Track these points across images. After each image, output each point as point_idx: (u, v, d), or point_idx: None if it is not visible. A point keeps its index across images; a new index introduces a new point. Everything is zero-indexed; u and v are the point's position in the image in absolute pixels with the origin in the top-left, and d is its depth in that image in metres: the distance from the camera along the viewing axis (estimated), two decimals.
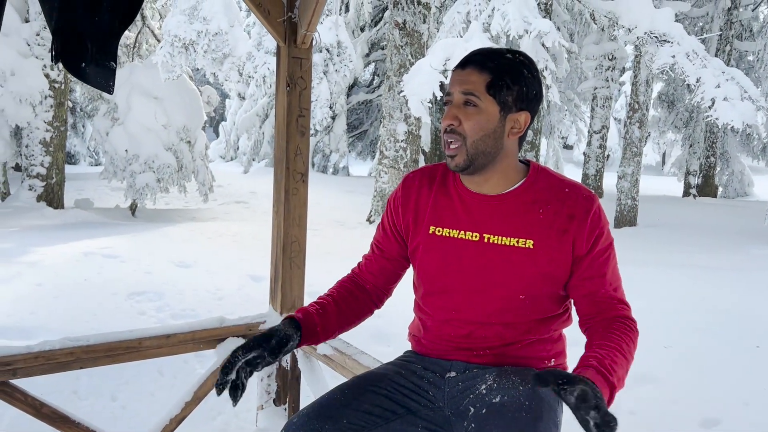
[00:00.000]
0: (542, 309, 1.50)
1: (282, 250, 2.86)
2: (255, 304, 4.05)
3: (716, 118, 6.42)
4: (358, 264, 1.76)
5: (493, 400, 1.35)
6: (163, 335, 2.64)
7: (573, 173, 21.64)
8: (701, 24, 16.93)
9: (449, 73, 6.99)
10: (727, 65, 15.71)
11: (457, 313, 1.53)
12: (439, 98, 6.65)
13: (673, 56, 6.52)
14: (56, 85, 9.46)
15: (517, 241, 1.45)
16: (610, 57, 13.91)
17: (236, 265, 5.32)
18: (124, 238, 6.32)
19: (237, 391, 1.35)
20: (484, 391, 1.42)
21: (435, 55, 6.22)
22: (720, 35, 15.74)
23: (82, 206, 10.12)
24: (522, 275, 1.45)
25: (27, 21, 9.30)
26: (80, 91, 12.31)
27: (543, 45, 6.26)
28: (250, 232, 7.99)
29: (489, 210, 1.49)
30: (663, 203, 14.99)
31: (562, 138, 25.43)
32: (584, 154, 15.37)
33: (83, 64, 2.03)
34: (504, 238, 1.46)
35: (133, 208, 9.75)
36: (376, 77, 20.09)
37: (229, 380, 1.34)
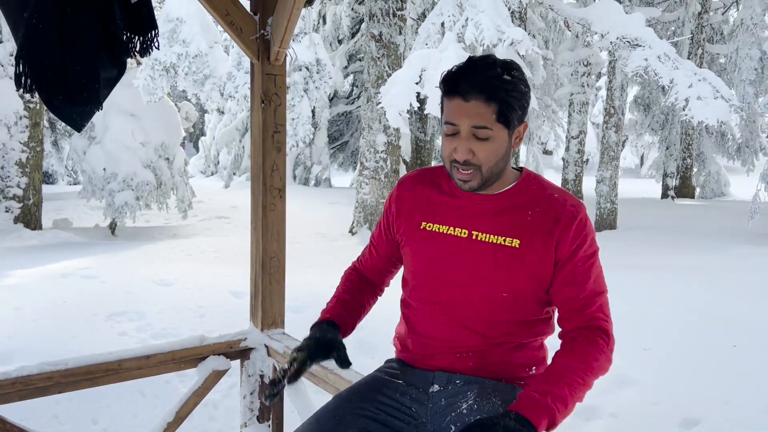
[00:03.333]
0: (525, 310, 1.53)
1: (261, 267, 2.86)
2: (237, 321, 4.03)
3: (691, 117, 6.56)
4: (359, 258, 1.85)
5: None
6: (143, 356, 2.62)
7: (553, 178, 21.76)
8: (673, 29, 17.24)
9: (426, 83, 7.08)
10: (699, 68, 16.03)
11: (441, 307, 1.56)
12: (416, 108, 6.70)
13: (646, 59, 6.65)
14: (31, 105, 9.38)
15: (504, 240, 1.49)
16: (585, 63, 14.10)
17: (218, 281, 5.30)
18: (103, 257, 6.26)
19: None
20: (465, 411, 1.46)
21: (411, 67, 6.29)
22: (691, 39, 16.04)
23: (61, 226, 10.01)
24: (506, 273, 1.49)
25: (0, 42, 9.22)
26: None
27: (517, 53, 6.33)
28: (231, 247, 7.95)
29: (479, 209, 1.53)
30: (642, 206, 15.18)
31: (541, 144, 25.69)
32: (563, 159, 15.54)
33: (60, 97, 2.03)
34: (491, 236, 1.50)
35: (112, 226, 9.66)
36: (355, 88, 20.15)
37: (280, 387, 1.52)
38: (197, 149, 27.69)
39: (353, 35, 17.69)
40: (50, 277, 5.01)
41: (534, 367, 1.58)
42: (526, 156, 24.16)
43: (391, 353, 1.80)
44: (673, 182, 16.64)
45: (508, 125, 1.44)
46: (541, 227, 1.48)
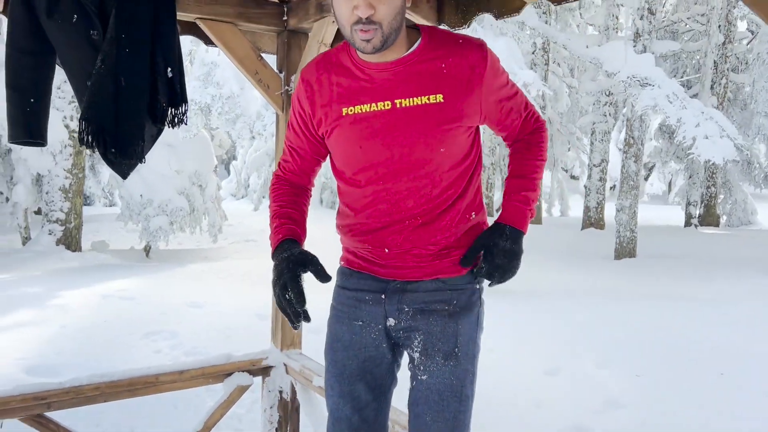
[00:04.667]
0: (459, 156, 1.59)
1: None
2: (260, 341, 4.38)
3: (698, 155, 6.79)
4: (281, 167, 1.79)
5: (422, 377, 1.61)
6: (177, 371, 2.99)
7: (579, 204, 21.89)
8: (698, 58, 17.38)
9: None
10: (724, 98, 16.12)
11: (384, 183, 1.59)
12: None
13: (654, 98, 6.92)
14: (75, 135, 10.01)
15: (428, 98, 1.51)
16: (607, 93, 14.34)
17: (244, 304, 5.67)
18: (139, 279, 6.71)
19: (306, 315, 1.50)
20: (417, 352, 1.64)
21: None
22: (715, 68, 16.18)
23: (99, 248, 10.56)
24: (439, 128, 1.52)
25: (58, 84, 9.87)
26: None
27: (528, 92, 6.67)
28: (257, 270, 8.34)
29: (394, 76, 1.52)
30: (664, 233, 15.23)
31: (566, 170, 25.79)
32: (585, 186, 15.70)
33: (113, 150, 2.45)
34: (415, 99, 1.52)
35: (147, 249, 10.18)
36: None
37: (301, 310, 1.49)
38: (228, 172, 28.45)
39: None
40: (92, 298, 5.45)
41: (473, 213, 1.66)
42: (550, 181, 24.32)
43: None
44: (696, 210, 16.65)
45: None
46: (459, 76, 1.52)
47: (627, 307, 5.78)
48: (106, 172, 21.36)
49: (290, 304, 1.49)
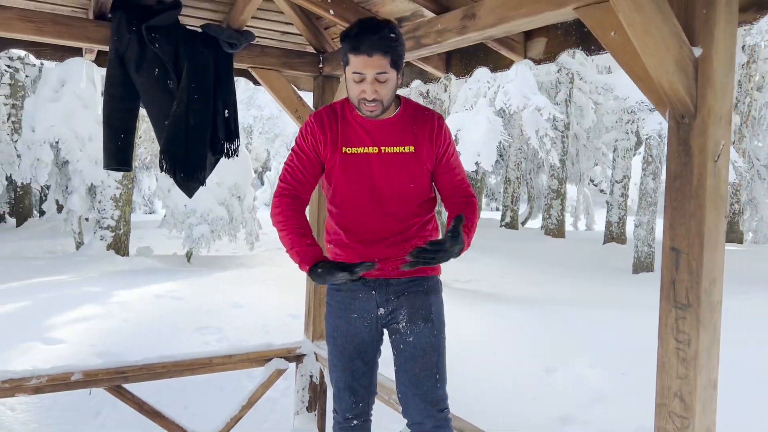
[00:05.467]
0: (422, 193, 2.18)
1: (313, 293, 3.85)
2: (294, 336, 5.03)
3: None
4: (286, 184, 2.17)
5: (409, 339, 2.16)
6: (227, 355, 3.64)
7: (603, 216, 22.14)
8: None
9: (460, 141, 8.01)
10: (748, 116, 16.30)
11: (369, 206, 2.14)
12: None
13: (660, 123, 7.39)
14: None
15: (404, 148, 2.13)
16: (629, 110, 14.72)
17: (279, 305, 6.32)
18: (185, 282, 7.42)
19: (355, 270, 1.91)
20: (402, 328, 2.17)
21: (449, 126, 7.24)
22: (740, 87, 16.41)
23: (144, 254, 11.38)
24: (409, 170, 2.13)
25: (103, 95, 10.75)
26: (143, 147, 13.80)
27: (540, 114, 7.22)
28: (289, 275, 8.99)
29: (381, 130, 2.12)
30: None
31: (595, 184, 26.01)
32: (607, 202, 16.04)
33: (181, 175, 3.12)
34: (395, 148, 2.12)
35: (188, 255, 10.94)
36: None
37: (356, 273, 1.91)
38: (262, 183, 29.39)
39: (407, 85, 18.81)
40: (147, 297, 6.16)
41: (431, 234, 2.23)
42: (576, 195, 24.59)
43: None
44: None
45: (397, 69, 2.03)
46: (423, 135, 2.13)
47: (629, 315, 6.25)
48: (147, 181, 22.41)
49: (348, 273, 1.93)
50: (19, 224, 17.10)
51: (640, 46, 1.68)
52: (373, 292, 2.23)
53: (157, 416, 3.44)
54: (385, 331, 2.29)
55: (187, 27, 3.24)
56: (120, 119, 3.17)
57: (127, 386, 3.37)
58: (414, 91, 9.99)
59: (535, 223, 22.39)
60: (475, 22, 2.47)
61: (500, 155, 21.39)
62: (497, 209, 25.89)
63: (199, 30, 3.24)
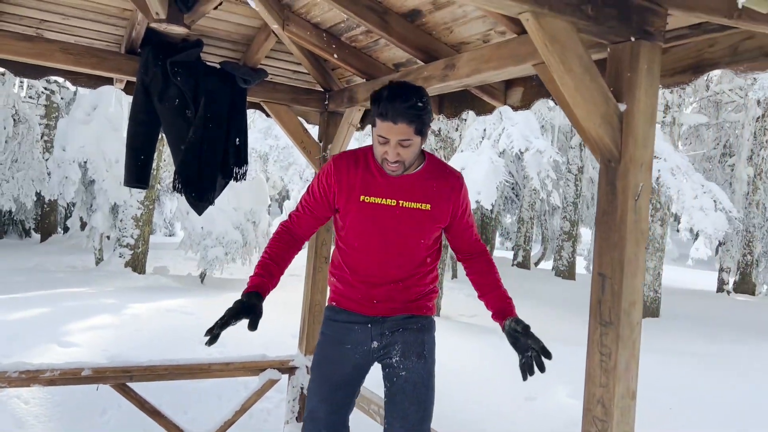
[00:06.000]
0: (430, 247, 2.28)
1: (308, 311, 4.15)
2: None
3: (692, 226, 7.46)
4: (290, 219, 2.33)
5: (401, 373, 2.25)
6: (225, 362, 3.95)
7: None
8: (737, 131, 17.76)
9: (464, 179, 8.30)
10: (763, 166, 16.41)
11: (379, 253, 2.22)
12: None
13: (659, 170, 7.66)
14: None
15: (420, 205, 2.20)
16: None
17: (283, 326, 6.58)
18: (196, 300, 7.76)
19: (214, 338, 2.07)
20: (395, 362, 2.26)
21: (454, 165, 7.62)
22: (755, 138, 16.59)
23: (160, 272, 11.78)
24: (423, 227, 2.22)
25: None
26: (167, 171, 14.36)
27: (542, 157, 7.54)
28: (296, 300, 9.27)
29: (401, 184, 2.19)
30: (696, 297, 15.49)
31: None
32: None
33: (193, 194, 3.47)
34: (412, 203, 2.19)
35: (202, 276, 11.31)
36: None
37: (218, 333, 2.09)
38: (281, 211, 29.89)
39: None
40: (159, 311, 6.50)
41: (431, 284, 2.36)
42: (591, 238, 24.64)
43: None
44: (729, 277, 16.86)
45: (422, 136, 2.12)
46: (442, 194, 2.22)
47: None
48: (169, 204, 23.01)
49: (216, 326, 2.10)
50: (43, 239, 17.72)
51: (572, 102, 2.00)
52: (369, 326, 2.31)
53: (157, 415, 3.72)
54: (378, 365, 2.37)
55: (208, 63, 3.63)
56: (141, 142, 3.56)
57: (132, 385, 3.67)
58: None
59: (548, 264, 22.48)
60: (454, 72, 2.81)
61: (515, 195, 21.66)
62: (510, 249, 26.02)
63: (218, 66, 3.63)
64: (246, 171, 3.71)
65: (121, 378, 3.61)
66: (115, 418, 4.23)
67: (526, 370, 2.22)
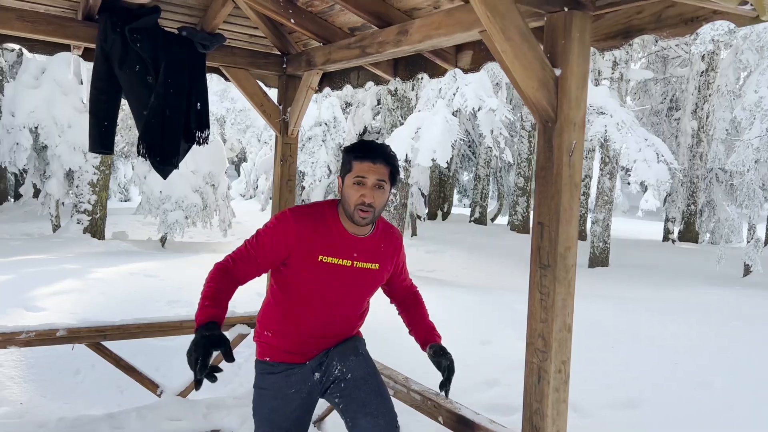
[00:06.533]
0: (368, 300, 2.49)
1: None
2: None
3: (636, 178, 7.87)
4: (232, 261, 2.28)
5: (347, 376, 2.34)
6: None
7: None
8: (683, 86, 18.35)
9: (419, 138, 8.55)
10: (706, 120, 17.08)
11: (325, 308, 2.32)
12: (409, 157, 8.18)
13: (605, 126, 8.00)
14: None
15: (371, 265, 2.34)
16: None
17: (249, 286, 6.77)
18: (159, 263, 7.84)
19: (212, 377, 1.94)
20: (337, 374, 2.34)
21: (409, 125, 7.79)
22: (699, 93, 17.19)
23: (120, 238, 11.74)
24: (372, 285, 2.41)
25: (82, 83, 11.11)
26: (120, 136, 14.13)
27: (495, 116, 7.78)
28: None
29: (357, 245, 2.31)
30: (643, 247, 16.23)
31: None
32: None
33: (157, 159, 3.58)
34: (365, 263, 2.32)
35: (163, 240, 11.33)
36: (382, 123, 21.73)
37: (203, 378, 1.94)
38: (238, 174, 29.65)
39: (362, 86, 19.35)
40: (122, 274, 6.58)
41: (362, 320, 2.54)
42: None
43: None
44: (673, 227, 17.69)
45: (392, 184, 2.28)
46: (387, 254, 2.41)
47: (584, 305, 6.84)
48: (123, 169, 22.60)
49: (199, 371, 1.93)
50: None
51: (512, 68, 2.20)
52: (307, 363, 2.38)
53: (132, 371, 3.90)
54: (326, 399, 2.43)
55: (166, 29, 3.69)
56: (104, 109, 3.63)
57: (106, 344, 3.82)
58: (384, 89, 10.49)
59: (504, 219, 23.07)
60: (407, 37, 2.97)
61: (472, 153, 22.00)
62: (468, 206, 26.53)
63: (176, 32, 3.69)
64: (208, 135, 3.82)
65: (95, 337, 3.76)
66: (89, 378, 4.38)
67: (445, 387, 2.56)
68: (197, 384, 1.99)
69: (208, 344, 1.99)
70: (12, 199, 19.12)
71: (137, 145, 3.64)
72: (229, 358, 2.03)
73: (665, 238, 18.25)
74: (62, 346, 4.02)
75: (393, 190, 2.47)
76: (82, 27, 3.54)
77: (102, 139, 3.64)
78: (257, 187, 25.66)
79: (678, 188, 17.77)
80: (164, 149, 3.65)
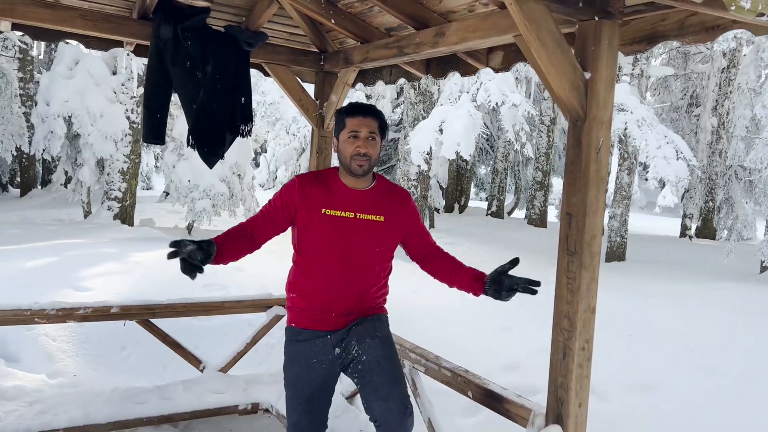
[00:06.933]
0: (384, 259, 2.53)
1: None
2: None
3: (655, 174, 8.02)
4: (250, 222, 2.51)
5: (363, 358, 2.43)
6: (236, 300, 4.40)
7: None
8: (703, 82, 18.32)
9: (444, 132, 8.74)
10: (726, 117, 17.06)
11: (339, 263, 2.43)
12: (432, 150, 8.37)
13: (625, 122, 8.15)
14: (135, 126, 11.55)
15: (375, 217, 2.46)
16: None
17: (276, 269, 7.02)
18: None
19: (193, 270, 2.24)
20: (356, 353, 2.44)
21: (433, 119, 8.00)
22: (720, 90, 17.17)
23: (147, 224, 12.09)
24: (378, 237, 2.47)
25: (114, 73, 11.45)
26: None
27: (517, 111, 7.97)
28: (283, 248, 9.72)
29: (359, 198, 2.46)
30: (660, 243, 16.32)
31: None
32: None
33: (204, 149, 3.84)
34: (368, 215, 2.45)
35: (189, 227, 11.66)
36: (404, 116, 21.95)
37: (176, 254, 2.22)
38: (258, 164, 30.01)
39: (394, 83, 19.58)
40: (158, 258, 6.84)
41: (384, 296, 2.62)
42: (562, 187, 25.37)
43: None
44: (691, 223, 17.73)
45: (382, 137, 2.47)
46: (393, 208, 2.51)
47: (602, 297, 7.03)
48: (145, 158, 23.01)
49: (181, 248, 2.26)
50: (23, 194, 17.75)
51: (546, 71, 2.42)
52: (329, 337, 2.50)
53: (178, 347, 4.18)
54: (347, 375, 2.55)
55: (213, 27, 3.94)
56: (156, 102, 3.89)
57: (154, 321, 4.11)
58: (407, 83, 10.72)
59: (521, 213, 23.19)
60: (444, 39, 3.18)
61: (490, 146, 22.14)
62: (485, 199, 26.67)
63: (223, 30, 3.94)
64: (251, 128, 4.06)
65: (145, 314, 4.04)
66: (135, 354, 4.67)
67: (530, 285, 2.51)
68: (172, 255, 2.29)
69: (198, 248, 2.30)
70: (39, 187, 19.60)
71: (187, 137, 3.89)
72: (193, 270, 2.31)
73: (682, 234, 18.31)
74: (110, 324, 4.32)
75: (382, 145, 2.55)
76: (137, 25, 3.79)
77: (155, 131, 3.89)
78: (276, 177, 26.03)
79: (696, 185, 17.80)
80: (211, 141, 3.90)
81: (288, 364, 2.56)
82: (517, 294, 2.57)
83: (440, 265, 2.66)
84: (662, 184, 19.05)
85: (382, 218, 2.50)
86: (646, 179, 12.51)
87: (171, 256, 2.29)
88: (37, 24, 3.60)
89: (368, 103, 2.55)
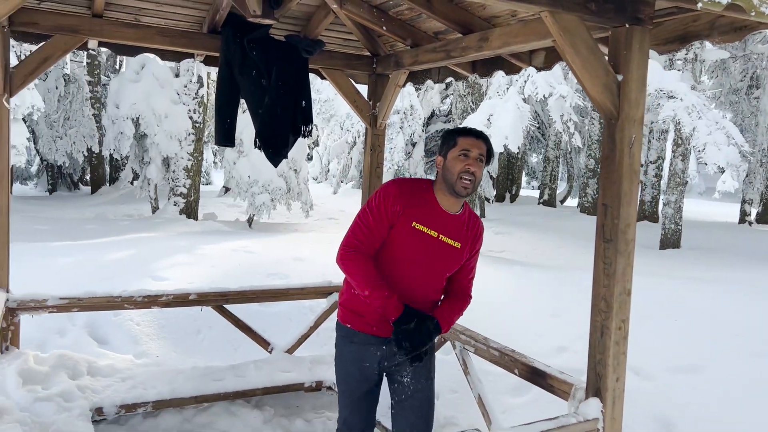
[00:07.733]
0: (445, 279, 2.65)
1: None
2: None
3: (706, 161, 7.98)
4: (359, 244, 2.50)
5: (409, 392, 2.64)
6: (299, 287, 4.76)
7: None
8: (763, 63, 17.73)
9: (492, 125, 8.92)
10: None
11: (413, 276, 2.52)
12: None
13: (674, 110, 8.14)
14: (197, 125, 12.17)
15: (454, 243, 2.56)
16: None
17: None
18: (252, 241, 8.64)
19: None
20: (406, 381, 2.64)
21: (482, 112, 8.21)
22: None
23: (210, 218, 12.72)
24: (451, 261, 2.59)
25: (177, 76, 12.08)
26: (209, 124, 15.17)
27: (565, 101, 8.07)
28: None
29: (446, 221, 2.56)
30: (717, 229, 15.98)
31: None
32: (641, 182, 16.62)
33: (270, 150, 4.19)
34: (449, 240, 2.56)
35: (250, 221, 12.22)
36: (453, 108, 22.07)
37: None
38: (310, 158, 30.67)
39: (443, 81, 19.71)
40: (225, 251, 7.38)
41: (436, 308, 2.66)
42: None
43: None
44: (750, 208, 17.27)
45: (488, 162, 2.57)
46: (469, 237, 2.61)
47: (640, 280, 7.13)
48: (204, 154, 23.87)
49: (422, 351, 2.52)
50: (93, 191, 18.82)
51: (581, 75, 2.65)
52: (384, 347, 2.60)
53: (248, 330, 4.57)
54: (387, 382, 2.72)
55: (275, 37, 4.28)
56: (227, 109, 4.26)
57: (227, 306, 4.52)
58: None
59: (573, 201, 23.00)
60: (488, 43, 3.43)
61: (542, 134, 22.03)
62: (536, 188, 26.52)
63: (284, 39, 4.28)
64: (312, 129, 4.40)
65: (219, 301, 4.44)
66: (208, 337, 5.11)
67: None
68: (419, 359, 2.52)
69: (431, 328, 2.48)
70: (107, 184, 20.69)
71: (254, 139, 4.26)
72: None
73: (741, 220, 17.85)
74: (186, 310, 4.76)
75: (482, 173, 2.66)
76: (207, 39, 4.17)
77: (226, 134, 4.28)
78: (329, 171, 26.59)
79: (756, 169, 17.32)
80: (276, 142, 4.26)
81: (340, 361, 2.72)
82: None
83: (448, 299, 2.74)
84: (722, 169, 18.64)
85: (458, 245, 2.59)
86: (705, 164, 12.33)
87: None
88: (122, 42, 4.02)
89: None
